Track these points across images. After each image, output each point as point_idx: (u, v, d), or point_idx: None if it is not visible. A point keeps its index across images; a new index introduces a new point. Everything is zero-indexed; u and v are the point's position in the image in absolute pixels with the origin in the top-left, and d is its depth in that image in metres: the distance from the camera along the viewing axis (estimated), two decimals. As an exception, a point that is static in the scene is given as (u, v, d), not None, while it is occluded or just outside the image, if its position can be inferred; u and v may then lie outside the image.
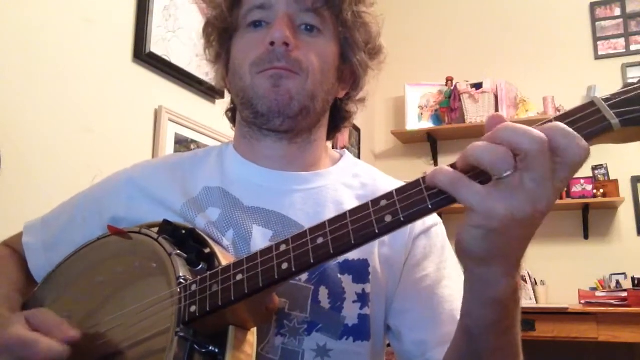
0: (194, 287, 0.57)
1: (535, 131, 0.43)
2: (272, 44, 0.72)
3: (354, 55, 0.79)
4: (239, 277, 0.54)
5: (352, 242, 0.50)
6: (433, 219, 0.80)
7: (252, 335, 0.59)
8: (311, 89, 0.74)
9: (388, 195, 0.49)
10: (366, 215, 0.50)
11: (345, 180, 0.80)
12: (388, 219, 0.48)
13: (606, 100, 0.46)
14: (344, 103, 0.84)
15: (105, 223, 0.75)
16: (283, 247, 0.53)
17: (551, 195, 0.44)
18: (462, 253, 0.49)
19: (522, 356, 0.59)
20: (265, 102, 0.73)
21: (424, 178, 0.48)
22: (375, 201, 0.50)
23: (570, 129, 0.44)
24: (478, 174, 0.46)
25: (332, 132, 0.86)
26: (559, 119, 0.46)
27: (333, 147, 0.89)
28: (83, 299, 0.70)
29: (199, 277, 0.58)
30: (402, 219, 0.48)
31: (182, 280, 0.58)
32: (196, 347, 0.54)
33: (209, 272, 0.57)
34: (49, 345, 0.57)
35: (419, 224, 0.77)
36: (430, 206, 0.47)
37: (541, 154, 0.42)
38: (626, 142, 0.48)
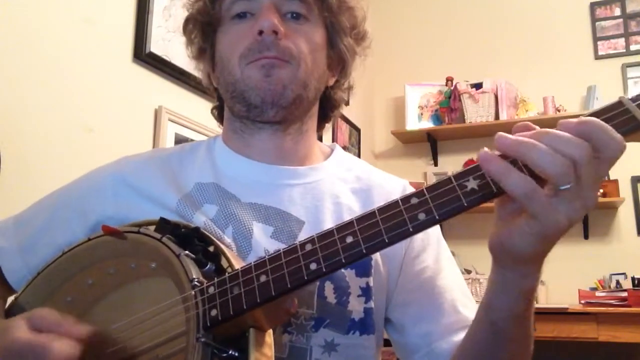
0: (211, 290, 0.54)
1: (580, 140, 0.45)
2: (260, 33, 0.70)
3: (340, 41, 0.78)
4: (263, 278, 0.52)
5: (386, 240, 0.49)
6: None
7: (270, 337, 0.57)
8: (303, 77, 0.72)
9: (419, 193, 0.49)
10: (397, 213, 0.49)
11: (339, 174, 0.80)
12: (422, 217, 0.48)
13: (633, 100, 0.48)
14: (333, 91, 0.83)
15: (89, 223, 0.73)
16: (309, 247, 0.52)
17: (595, 194, 0.47)
18: (506, 254, 0.51)
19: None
20: (257, 93, 0.71)
21: (455, 176, 0.49)
22: (405, 199, 0.49)
23: (608, 125, 0.45)
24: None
25: (322, 121, 0.85)
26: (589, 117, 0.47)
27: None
28: (70, 304, 0.66)
29: (216, 279, 0.55)
30: (437, 217, 0.47)
31: (196, 283, 0.55)
32: (216, 352, 0.51)
33: (227, 275, 0.55)
34: (60, 347, 0.53)
35: None
36: (465, 204, 0.47)
37: (590, 160, 0.45)
38: None
